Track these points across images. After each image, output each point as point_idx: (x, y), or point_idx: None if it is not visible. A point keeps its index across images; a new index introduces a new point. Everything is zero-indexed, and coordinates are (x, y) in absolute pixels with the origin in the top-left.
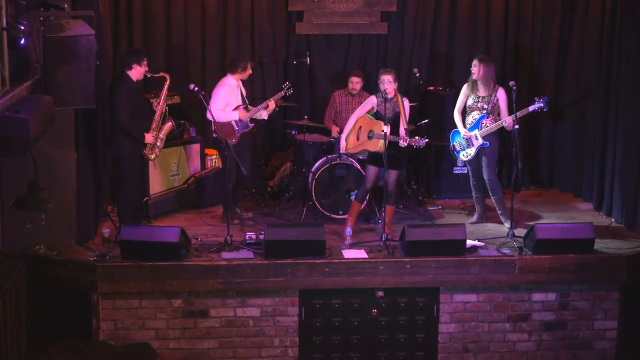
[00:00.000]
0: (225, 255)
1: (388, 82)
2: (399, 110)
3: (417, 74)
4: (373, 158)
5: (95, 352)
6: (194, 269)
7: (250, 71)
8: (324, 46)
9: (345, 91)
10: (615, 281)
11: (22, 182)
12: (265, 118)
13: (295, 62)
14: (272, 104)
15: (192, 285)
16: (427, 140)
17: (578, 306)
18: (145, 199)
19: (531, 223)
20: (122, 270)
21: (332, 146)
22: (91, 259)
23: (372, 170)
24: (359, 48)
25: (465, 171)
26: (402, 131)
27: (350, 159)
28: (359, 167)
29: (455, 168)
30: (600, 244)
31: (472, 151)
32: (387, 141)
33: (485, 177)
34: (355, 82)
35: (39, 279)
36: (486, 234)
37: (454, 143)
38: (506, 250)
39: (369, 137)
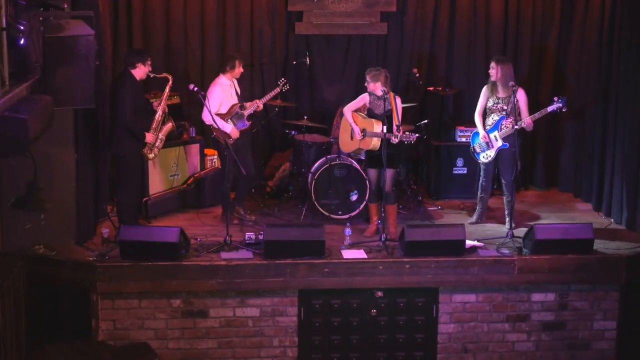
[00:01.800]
0: (225, 255)
1: (366, 83)
2: (391, 108)
3: (417, 74)
4: (371, 160)
5: (94, 352)
6: (193, 269)
7: (241, 69)
8: (323, 46)
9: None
10: (615, 281)
11: (22, 182)
12: (261, 107)
13: (294, 63)
14: (260, 104)
15: (191, 285)
16: (417, 135)
17: (577, 306)
18: (144, 199)
19: (531, 223)
20: (121, 270)
21: (332, 146)
22: (90, 258)
23: (372, 172)
24: (359, 48)
25: (465, 171)
26: (394, 128)
27: (349, 159)
28: (358, 167)
29: (455, 168)
30: (599, 245)
31: (492, 153)
32: (383, 139)
33: (505, 178)
34: None
35: (38, 278)
36: (485, 234)
37: (474, 145)
38: (505, 251)
39: (363, 136)
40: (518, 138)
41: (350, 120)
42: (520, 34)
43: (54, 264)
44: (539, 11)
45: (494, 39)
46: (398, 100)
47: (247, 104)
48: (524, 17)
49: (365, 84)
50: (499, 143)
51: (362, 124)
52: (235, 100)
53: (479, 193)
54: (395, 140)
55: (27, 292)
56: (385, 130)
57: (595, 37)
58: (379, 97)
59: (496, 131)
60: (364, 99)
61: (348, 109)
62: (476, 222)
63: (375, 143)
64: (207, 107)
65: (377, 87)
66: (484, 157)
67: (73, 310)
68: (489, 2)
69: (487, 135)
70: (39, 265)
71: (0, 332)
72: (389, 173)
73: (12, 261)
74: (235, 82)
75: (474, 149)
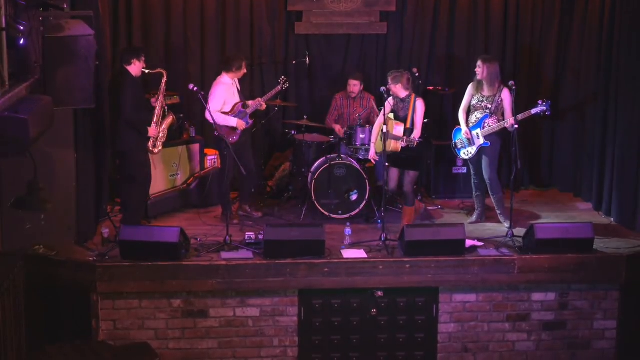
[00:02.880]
0: (225, 255)
1: (388, 85)
2: (412, 110)
3: (417, 74)
4: (390, 159)
5: (94, 352)
6: (193, 269)
7: (245, 70)
8: (323, 46)
9: (346, 93)
10: (615, 281)
11: (22, 182)
12: (264, 106)
13: (294, 62)
14: (263, 103)
15: (191, 285)
16: (419, 140)
17: (577, 306)
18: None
19: (531, 223)
20: (121, 270)
21: (332, 146)
22: (91, 259)
23: (391, 171)
24: (359, 48)
25: (465, 171)
26: (401, 131)
27: (349, 159)
28: (358, 167)
29: (454, 168)
30: (599, 244)
31: (472, 150)
32: (386, 140)
33: (486, 176)
34: (353, 85)
35: (38, 279)
36: (485, 234)
37: (456, 141)
38: (505, 250)
39: (385, 138)
40: (517, 137)
41: (375, 134)
42: (520, 33)
43: (54, 264)
44: (539, 11)
45: (494, 39)
46: (418, 103)
47: (250, 103)
48: (523, 16)
49: (388, 86)
50: (481, 141)
51: (388, 126)
52: (237, 99)
53: (474, 192)
54: (403, 144)
55: (27, 292)
56: (386, 131)
57: (594, 37)
58: (401, 100)
59: (479, 129)
60: (388, 104)
61: (377, 121)
62: (476, 222)
63: (394, 145)
64: (206, 106)
65: (398, 89)
66: (464, 153)
67: (73, 311)
68: (489, 2)
69: (469, 132)
70: (39, 265)
71: (0, 332)
72: (411, 174)
73: (12, 261)
74: (237, 80)
75: (456, 145)
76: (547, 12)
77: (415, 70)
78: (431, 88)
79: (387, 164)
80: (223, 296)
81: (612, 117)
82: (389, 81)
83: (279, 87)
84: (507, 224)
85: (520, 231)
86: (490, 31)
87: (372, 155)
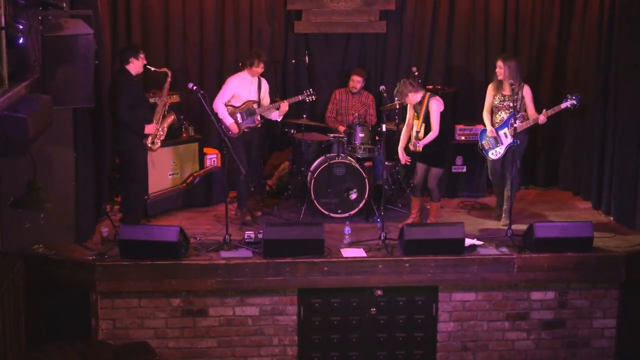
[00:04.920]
0: (224, 254)
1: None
2: (425, 111)
3: (416, 73)
4: (415, 155)
5: (94, 352)
6: (192, 268)
7: (260, 69)
8: (322, 45)
9: (346, 89)
10: (614, 280)
11: (21, 182)
12: (279, 120)
13: (293, 61)
14: (284, 106)
15: (191, 284)
16: (419, 142)
17: (577, 305)
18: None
19: (530, 221)
20: (121, 269)
21: (331, 145)
22: (90, 258)
23: (417, 166)
24: (358, 47)
25: (465, 170)
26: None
27: (349, 158)
28: (357, 166)
29: (454, 167)
30: (599, 243)
31: (501, 150)
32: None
33: (509, 173)
34: (357, 81)
35: (37, 278)
36: (485, 233)
37: (483, 142)
38: (505, 249)
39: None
40: (525, 136)
41: (402, 143)
42: (520, 32)
43: (53, 263)
44: (538, 10)
45: (493, 38)
46: (432, 102)
47: (265, 105)
48: (523, 15)
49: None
50: (509, 140)
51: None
52: (252, 96)
53: (495, 189)
54: (411, 146)
55: (26, 291)
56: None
57: (594, 36)
58: (419, 103)
59: (506, 128)
60: (410, 109)
61: (405, 127)
62: (505, 222)
63: (413, 143)
64: (205, 105)
65: (407, 100)
66: (492, 154)
67: (73, 310)
68: (488, 1)
69: (494, 131)
70: (38, 264)
71: (0, 332)
72: (434, 171)
73: (12, 261)
74: (264, 82)
75: (482, 146)
76: (546, 11)
77: (414, 69)
78: (430, 87)
79: (387, 162)
80: (222, 295)
81: (612, 116)
82: (396, 98)
83: (300, 97)
84: (506, 222)
85: (520, 230)
86: (489, 30)
87: (403, 160)
